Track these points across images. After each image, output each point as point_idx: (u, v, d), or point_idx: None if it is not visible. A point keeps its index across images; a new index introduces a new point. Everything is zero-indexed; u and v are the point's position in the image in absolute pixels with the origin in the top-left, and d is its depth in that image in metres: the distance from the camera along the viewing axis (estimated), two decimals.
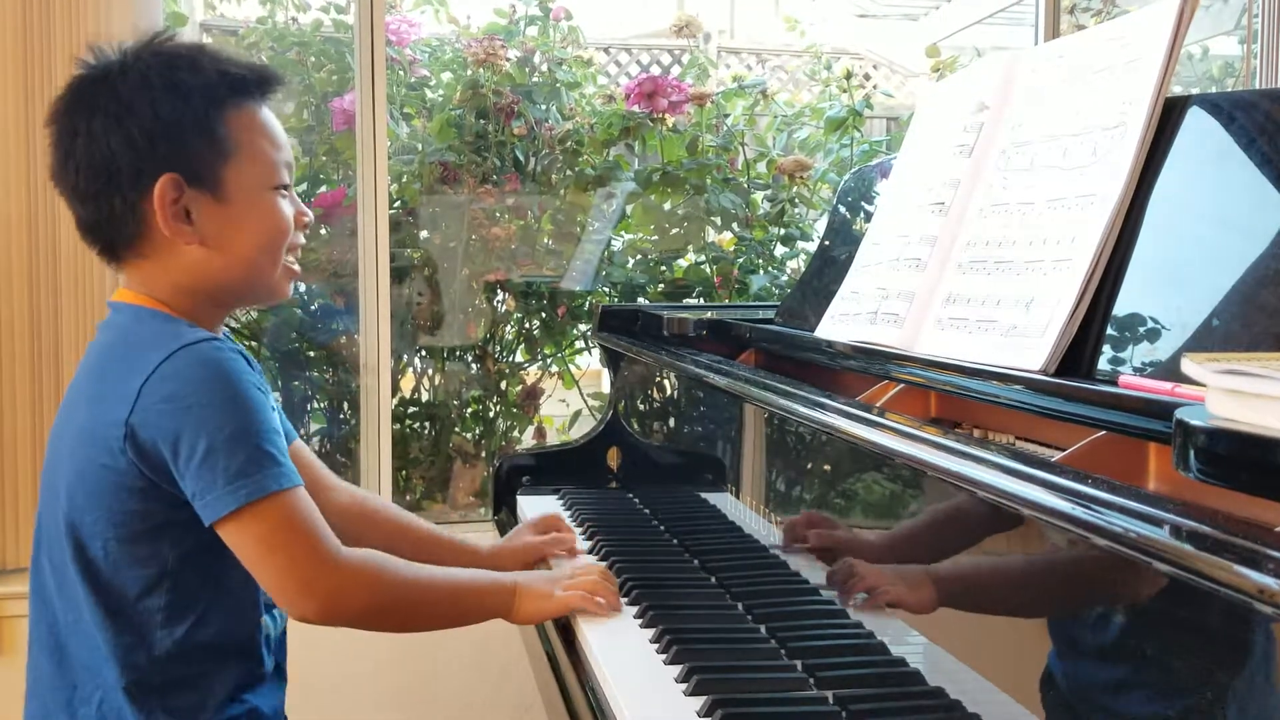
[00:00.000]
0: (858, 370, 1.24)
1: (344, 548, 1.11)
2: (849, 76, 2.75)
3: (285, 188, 1.18)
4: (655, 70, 3.62)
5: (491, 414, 2.72)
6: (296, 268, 1.22)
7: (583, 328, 2.71)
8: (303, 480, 1.10)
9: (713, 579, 1.34)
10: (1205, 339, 0.86)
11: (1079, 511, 0.66)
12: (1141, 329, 0.93)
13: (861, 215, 1.58)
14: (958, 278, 1.13)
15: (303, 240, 1.23)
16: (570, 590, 1.23)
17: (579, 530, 1.57)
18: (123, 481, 1.07)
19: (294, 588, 1.08)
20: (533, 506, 1.76)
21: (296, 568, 1.07)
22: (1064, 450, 0.85)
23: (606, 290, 2.68)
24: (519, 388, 2.72)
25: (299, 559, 1.07)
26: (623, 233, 2.79)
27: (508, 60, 2.61)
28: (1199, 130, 0.97)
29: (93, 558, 1.10)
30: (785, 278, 2.69)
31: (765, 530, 1.26)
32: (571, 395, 2.73)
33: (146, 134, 1.10)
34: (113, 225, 1.13)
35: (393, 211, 2.46)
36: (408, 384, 2.67)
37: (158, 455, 1.05)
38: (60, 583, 1.13)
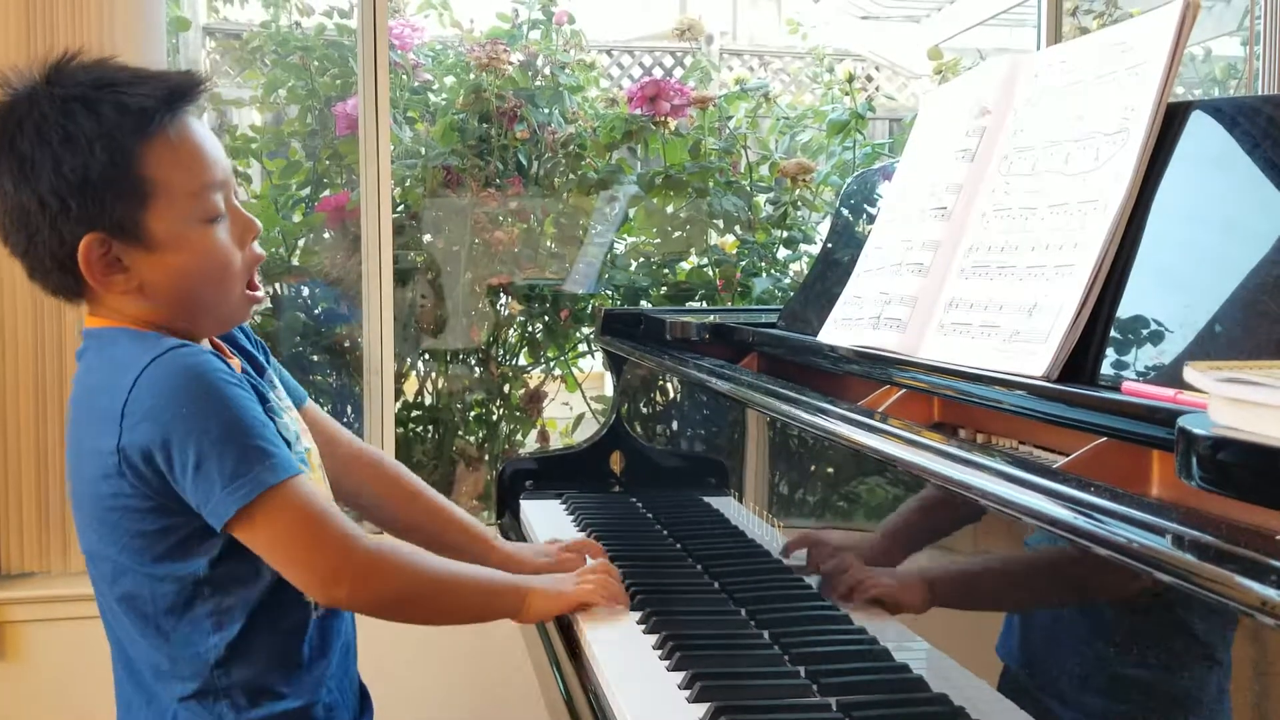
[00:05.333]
0: (860, 375, 1.24)
1: (362, 533, 1.10)
2: (851, 79, 2.75)
3: (219, 217, 1.10)
4: (657, 73, 3.62)
5: (495, 417, 2.72)
6: (258, 294, 1.16)
7: (585, 331, 2.72)
8: (306, 465, 1.09)
9: (716, 584, 1.34)
10: (1208, 345, 0.86)
11: (1081, 521, 0.66)
12: (1144, 333, 0.93)
13: (864, 219, 1.58)
14: (960, 283, 1.13)
15: (260, 252, 1.16)
16: (580, 586, 1.23)
17: (582, 535, 1.57)
18: (131, 505, 1.05)
19: (320, 573, 1.07)
20: (536, 511, 1.76)
21: (317, 554, 1.06)
22: (1067, 456, 0.85)
23: (609, 293, 2.68)
24: (522, 391, 2.72)
25: (318, 545, 1.06)
26: (625, 236, 2.79)
27: (510, 64, 2.61)
28: (1201, 135, 0.97)
29: (128, 586, 1.09)
30: (788, 280, 2.69)
31: (768, 535, 1.26)
32: (574, 398, 2.73)
33: (56, 194, 1.04)
34: (49, 277, 1.09)
35: (396, 215, 2.47)
36: (411, 387, 2.67)
37: (154, 472, 1.03)
38: (109, 604, 1.12)
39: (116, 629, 1.13)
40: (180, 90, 1.09)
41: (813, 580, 1.13)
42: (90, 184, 1.04)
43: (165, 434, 1.02)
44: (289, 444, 1.13)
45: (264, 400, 1.14)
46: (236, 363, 1.19)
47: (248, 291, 1.15)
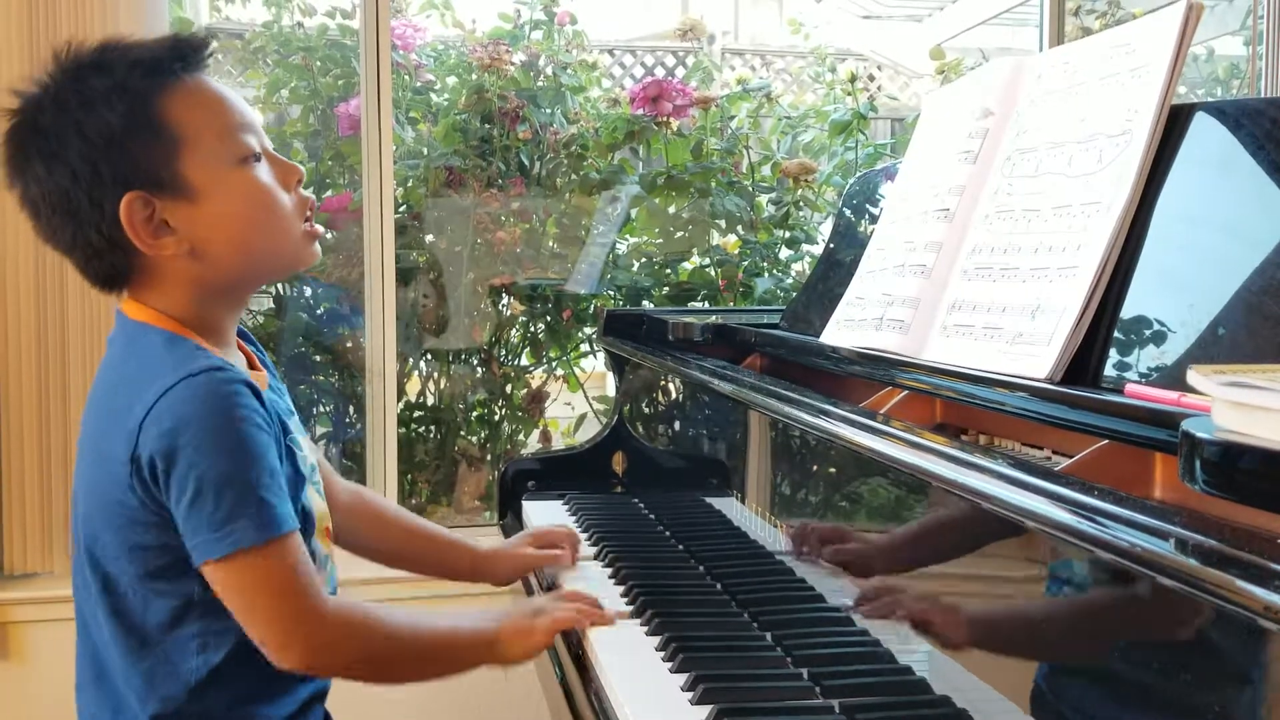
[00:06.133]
0: (863, 376, 1.24)
1: (331, 600, 1.07)
2: (853, 79, 2.75)
3: (256, 156, 1.09)
4: (659, 73, 3.63)
5: (497, 417, 2.72)
6: (316, 228, 1.14)
7: (588, 331, 2.72)
8: (298, 525, 1.06)
9: (718, 585, 1.34)
10: (1211, 347, 0.86)
11: (1083, 524, 0.66)
12: (1147, 335, 0.93)
13: (866, 220, 1.58)
14: (963, 285, 1.13)
15: (309, 195, 1.14)
16: (547, 617, 1.18)
17: (584, 536, 1.56)
18: (135, 516, 1.04)
19: (275, 639, 1.04)
20: (538, 511, 1.76)
21: (277, 621, 1.03)
22: (1069, 458, 0.85)
23: (611, 294, 2.68)
24: (524, 391, 2.72)
25: (281, 613, 1.03)
26: (627, 236, 2.80)
27: (512, 64, 2.61)
28: (1205, 137, 0.97)
29: (120, 593, 1.07)
30: (790, 281, 2.69)
31: (771, 536, 1.26)
32: (576, 399, 2.73)
33: (85, 160, 1.03)
34: (101, 260, 1.07)
35: (398, 216, 2.47)
36: (413, 387, 2.67)
37: (160, 489, 1.02)
38: (93, 608, 1.10)
39: (94, 635, 1.11)
40: (185, 41, 1.09)
41: (816, 581, 1.13)
42: (115, 140, 1.04)
43: (174, 457, 1.00)
44: (302, 473, 1.11)
45: (285, 430, 1.11)
46: (263, 375, 1.17)
47: (306, 228, 1.13)
